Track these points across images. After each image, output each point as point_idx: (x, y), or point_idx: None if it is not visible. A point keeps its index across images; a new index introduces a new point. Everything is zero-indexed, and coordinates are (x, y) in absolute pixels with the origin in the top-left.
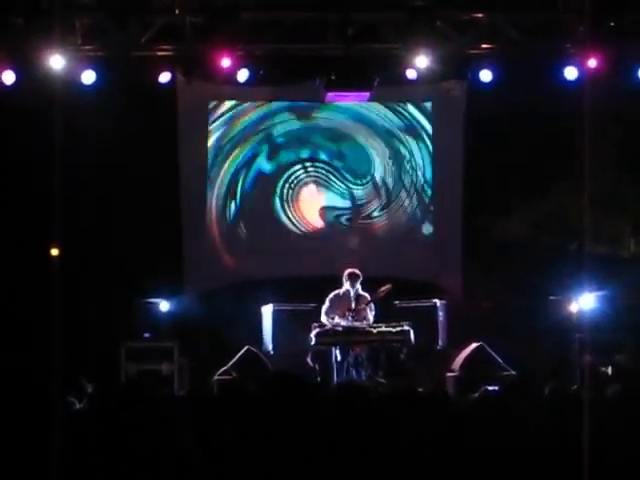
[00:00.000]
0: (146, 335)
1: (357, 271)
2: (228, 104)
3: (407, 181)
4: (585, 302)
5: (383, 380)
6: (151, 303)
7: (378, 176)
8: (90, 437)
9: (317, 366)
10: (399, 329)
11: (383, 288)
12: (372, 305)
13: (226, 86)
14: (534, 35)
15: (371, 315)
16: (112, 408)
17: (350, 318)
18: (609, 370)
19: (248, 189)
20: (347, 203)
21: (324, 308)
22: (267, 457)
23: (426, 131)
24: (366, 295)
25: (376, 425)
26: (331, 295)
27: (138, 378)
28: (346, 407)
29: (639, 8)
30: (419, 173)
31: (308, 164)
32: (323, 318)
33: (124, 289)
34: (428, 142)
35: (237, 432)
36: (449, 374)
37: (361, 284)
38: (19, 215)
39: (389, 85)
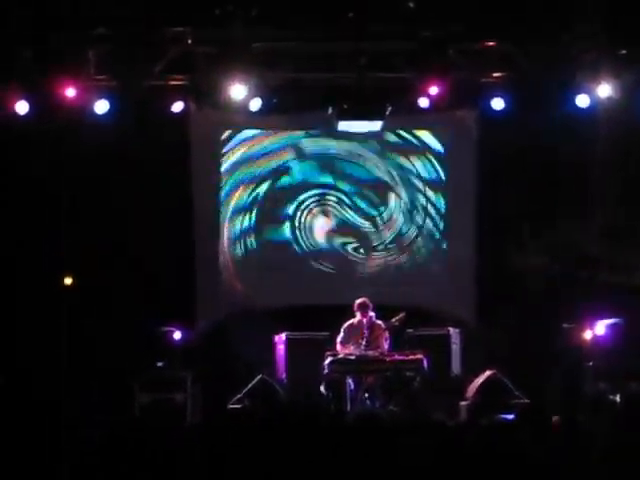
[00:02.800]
0: (159, 364)
1: (367, 300)
2: (240, 133)
3: (420, 210)
4: (598, 330)
5: (396, 409)
6: (164, 332)
7: (392, 206)
8: (102, 468)
9: (331, 395)
10: (412, 358)
11: (397, 317)
12: (387, 334)
13: (239, 115)
14: (545, 63)
15: (386, 344)
16: (126, 440)
17: (363, 347)
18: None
19: (261, 217)
20: (360, 233)
21: (339, 338)
22: None
23: (439, 159)
24: (380, 323)
25: (391, 454)
26: (345, 325)
27: (152, 408)
28: (362, 437)
29: None
30: (432, 202)
31: (321, 193)
32: (338, 348)
33: (138, 318)
34: (441, 171)
35: (249, 461)
36: (463, 402)
37: (375, 312)
38: (33, 244)
39: (401, 114)
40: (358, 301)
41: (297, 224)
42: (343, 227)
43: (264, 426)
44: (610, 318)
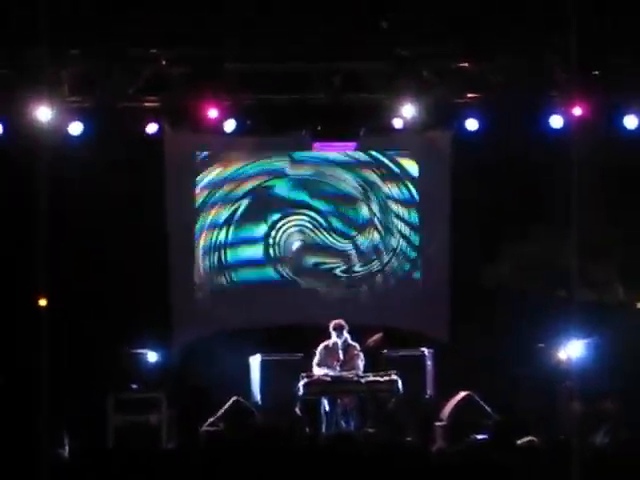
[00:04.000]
0: (134, 386)
1: (342, 322)
2: (214, 154)
3: (394, 231)
4: (573, 349)
5: (372, 430)
6: (138, 354)
7: (365, 227)
8: None
9: (306, 416)
10: (387, 379)
11: (374, 337)
12: (362, 355)
13: (213, 136)
14: (519, 83)
15: (362, 364)
16: (99, 462)
17: (339, 368)
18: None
19: (235, 238)
20: (335, 254)
21: (315, 360)
22: None
23: (412, 180)
24: (355, 345)
25: (365, 476)
26: (320, 347)
27: (126, 429)
28: (335, 458)
29: (623, 55)
30: (405, 222)
31: (296, 213)
32: (315, 369)
33: (111, 340)
34: (414, 191)
35: None
36: (437, 423)
37: (350, 333)
38: (6, 265)
39: (375, 134)
40: (334, 322)
41: (272, 244)
42: (317, 248)
43: (238, 448)
44: (585, 337)
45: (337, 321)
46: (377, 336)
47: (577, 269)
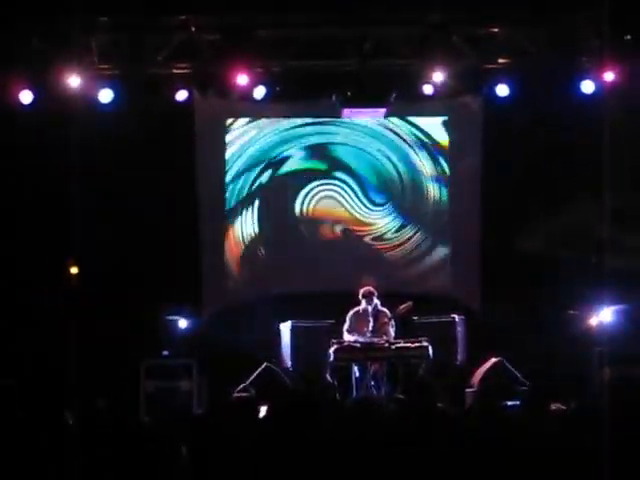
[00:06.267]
0: (165, 353)
1: (371, 289)
2: (244, 121)
3: (425, 197)
4: (604, 316)
5: (402, 396)
6: (170, 321)
7: (395, 193)
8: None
9: (336, 382)
10: (417, 345)
11: (404, 305)
12: (392, 321)
13: (243, 103)
14: (550, 49)
15: (392, 331)
16: (130, 426)
17: (369, 334)
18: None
19: (266, 205)
20: (365, 221)
21: (345, 326)
22: (279, 474)
23: (442, 147)
24: (386, 311)
25: (392, 441)
26: (350, 313)
27: (157, 395)
28: (360, 424)
29: None
30: (436, 189)
31: (326, 181)
32: (345, 336)
33: (143, 307)
34: (445, 157)
35: (248, 449)
36: (468, 389)
37: (380, 300)
38: (38, 233)
39: (405, 101)
40: (363, 289)
41: (302, 211)
42: (348, 215)
43: (269, 414)
44: (617, 304)
45: (367, 288)
46: (407, 304)
47: (609, 235)
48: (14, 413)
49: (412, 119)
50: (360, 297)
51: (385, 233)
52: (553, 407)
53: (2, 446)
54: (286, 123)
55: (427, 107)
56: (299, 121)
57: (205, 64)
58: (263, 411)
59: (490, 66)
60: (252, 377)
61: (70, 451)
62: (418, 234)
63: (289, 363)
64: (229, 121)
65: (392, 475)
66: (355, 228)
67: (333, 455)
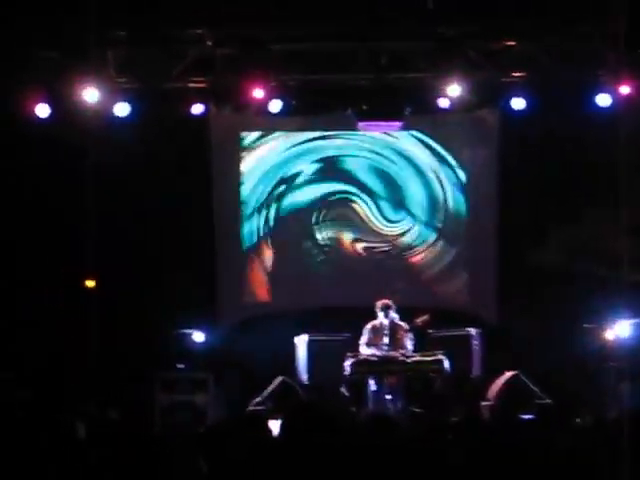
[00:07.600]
0: (180, 366)
1: (389, 302)
2: (260, 134)
3: (441, 211)
4: (620, 330)
5: (418, 410)
6: (185, 334)
7: (413, 208)
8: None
9: (352, 396)
10: (434, 359)
11: (422, 318)
12: (411, 334)
13: (258, 117)
14: (566, 62)
15: (410, 344)
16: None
17: (386, 348)
18: None
19: (282, 219)
20: (382, 236)
21: (362, 339)
22: None
23: (459, 161)
24: (403, 324)
25: (408, 456)
26: (368, 326)
27: (172, 409)
28: (374, 438)
29: None
30: (453, 203)
31: (343, 196)
32: (363, 349)
33: (158, 320)
34: (462, 170)
35: (261, 464)
36: (484, 403)
37: (398, 314)
38: (54, 247)
39: (421, 114)
40: (380, 302)
41: (318, 225)
42: (365, 229)
43: (284, 428)
44: (634, 318)
45: (383, 301)
46: (425, 317)
47: (626, 249)
48: (29, 424)
49: (428, 132)
50: (377, 310)
51: (400, 246)
52: (570, 422)
53: (14, 455)
54: (301, 136)
55: (443, 120)
56: (314, 134)
57: (221, 78)
58: (277, 425)
59: (506, 79)
60: (268, 391)
61: (79, 463)
62: (436, 247)
63: (305, 377)
64: (245, 135)
65: None
66: (371, 243)
67: (349, 469)
